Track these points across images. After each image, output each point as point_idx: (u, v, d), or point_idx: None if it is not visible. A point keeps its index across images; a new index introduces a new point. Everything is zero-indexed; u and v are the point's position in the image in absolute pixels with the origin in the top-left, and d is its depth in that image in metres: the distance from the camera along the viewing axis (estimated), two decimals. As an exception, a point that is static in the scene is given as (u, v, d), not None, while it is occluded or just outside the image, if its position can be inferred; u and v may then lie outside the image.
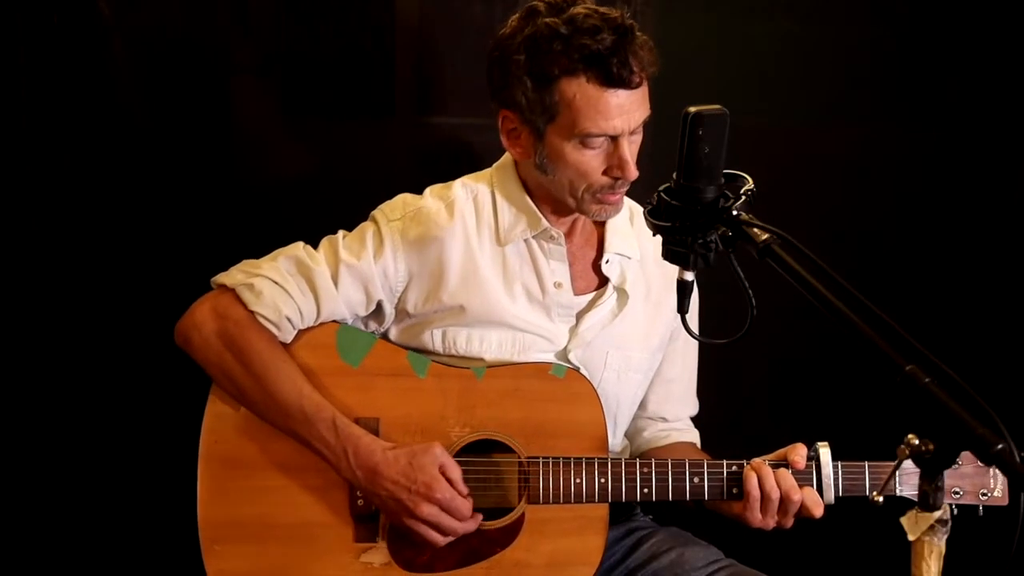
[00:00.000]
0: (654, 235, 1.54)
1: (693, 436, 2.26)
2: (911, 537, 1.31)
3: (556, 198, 2.02)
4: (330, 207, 2.54)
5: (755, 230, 1.41)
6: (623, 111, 1.89)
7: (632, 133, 1.92)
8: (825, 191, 2.70)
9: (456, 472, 1.95)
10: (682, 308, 1.59)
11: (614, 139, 1.91)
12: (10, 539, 2.60)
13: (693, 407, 2.29)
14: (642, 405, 2.23)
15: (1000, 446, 1.17)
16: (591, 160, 1.93)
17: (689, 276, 1.57)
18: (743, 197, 1.46)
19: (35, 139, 2.50)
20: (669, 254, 1.52)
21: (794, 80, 2.64)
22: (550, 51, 1.88)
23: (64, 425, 2.59)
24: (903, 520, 1.32)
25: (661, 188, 1.51)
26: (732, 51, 2.60)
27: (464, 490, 1.95)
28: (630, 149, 1.92)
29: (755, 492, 1.94)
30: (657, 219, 1.51)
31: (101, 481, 2.61)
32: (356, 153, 2.61)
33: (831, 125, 2.71)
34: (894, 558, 1.50)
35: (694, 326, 2.19)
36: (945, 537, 1.30)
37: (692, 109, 1.42)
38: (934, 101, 2.68)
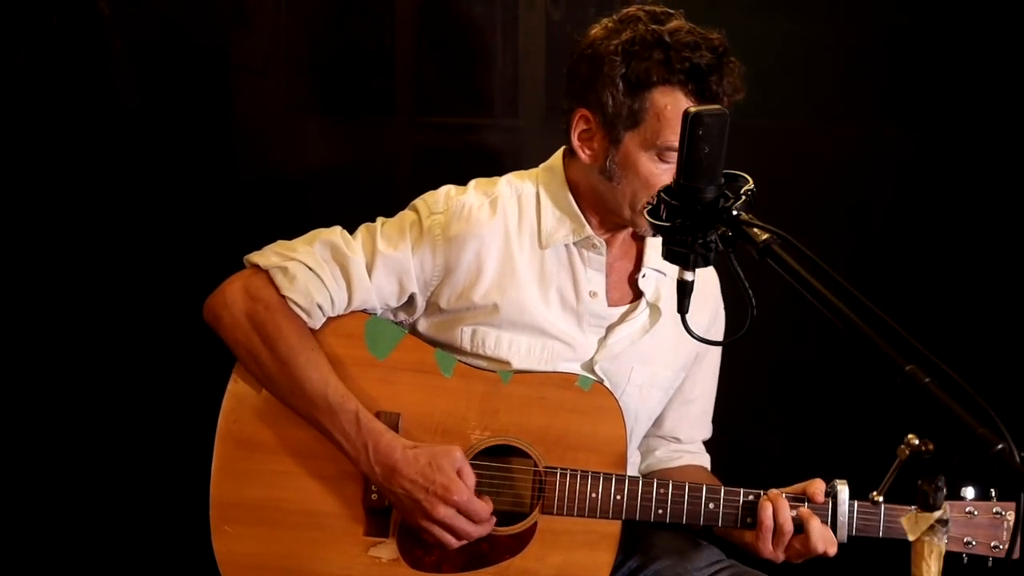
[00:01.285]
0: (654, 235, 1.55)
1: (704, 460, 2.26)
2: (911, 537, 1.31)
3: (609, 208, 2.00)
4: (330, 206, 2.53)
5: (755, 230, 1.41)
6: None
7: None
8: (825, 191, 2.69)
9: (471, 481, 1.95)
10: (682, 308, 1.59)
11: None
12: (22, 512, 2.60)
13: (707, 431, 2.28)
14: (658, 423, 2.22)
15: (1000, 446, 1.17)
16: (663, 174, 1.91)
17: (689, 276, 1.56)
18: (743, 197, 1.46)
19: (35, 139, 2.50)
20: (669, 254, 1.52)
21: (794, 80, 2.64)
22: (650, 58, 1.88)
23: (69, 419, 2.59)
24: (903, 520, 1.32)
25: (661, 188, 1.51)
26: (732, 51, 2.59)
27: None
28: None
29: (768, 522, 1.94)
30: (657, 219, 1.51)
31: (116, 459, 2.61)
32: (356, 153, 2.61)
33: (831, 125, 2.71)
34: (894, 558, 1.51)
35: (717, 354, 2.19)
36: (945, 537, 1.30)
37: (692, 109, 1.42)
38: (934, 101, 2.68)
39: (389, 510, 1.99)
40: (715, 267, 1.81)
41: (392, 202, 2.11)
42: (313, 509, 2.00)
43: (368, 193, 2.20)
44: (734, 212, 1.44)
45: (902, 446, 1.26)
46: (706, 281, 2.12)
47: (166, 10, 2.51)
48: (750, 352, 2.21)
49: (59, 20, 2.47)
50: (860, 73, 2.67)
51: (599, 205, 2.02)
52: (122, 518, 2.62)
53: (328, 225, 2.09)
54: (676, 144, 1.84)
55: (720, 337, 2.20)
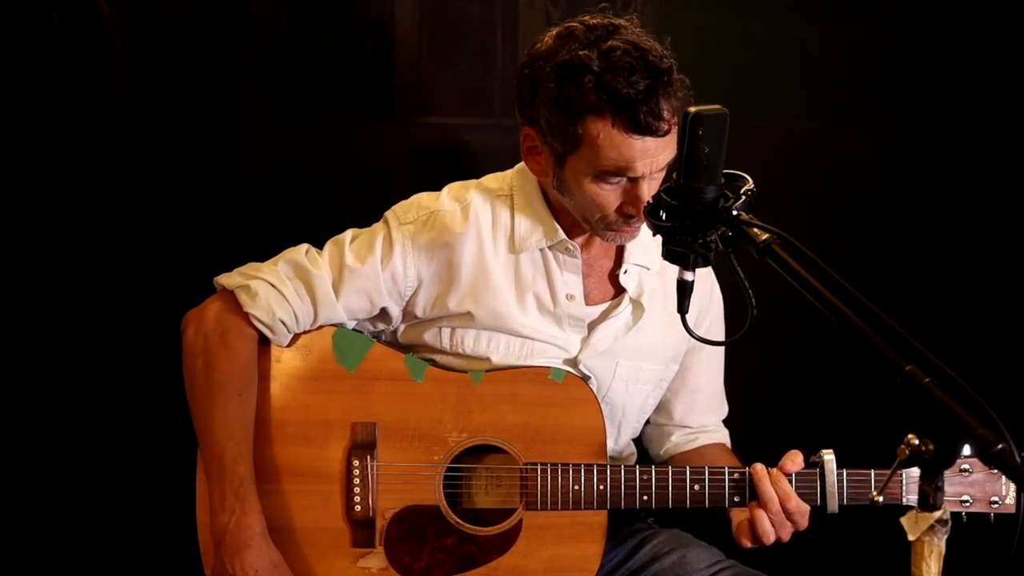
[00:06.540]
0: (654, 235, 1.55)
1: (722, 436, 2.26)
2: (911, 537, 1.31)
3: (572, 214, 2.00)
4: (330, 207, 2.54)
5: (755, 230, 1.41)
6: (647, 155, 1.84)
7: (655, 172, 1.88)
8: (825, 191, 2.69)
9: None
10: (682, 308, 1.59)
11: (633, 179, 1.88)
12: (10, 540, 2.60)
13: (721, 412, 2.28)
14: (668, 414, 2.23)
15: (1000, 446, 1.17)
16: (608, 194, 1.89)
17: (689, 276, 1.57)
18: (743, 197, 1.46)
19: (35, 139, 2.50)
20: (669, 254, 1.52)
21: (794, 80, 2.64)
22: (580, 84, 1.82)
23: (64, 427, 2.59)
24: (903, 520, 1.32)
25: (661, 188, 1.51)
26: (732, 51, 2.60)
27: None
28: (650, 187, 1.88)
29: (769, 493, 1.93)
30: (657, 219, 1.51)
31: (102, 484, 2.60)
32: (356, 153, 2.61)
33: (831, 125, 2.71)
34: (894, 558, 1.50)
35: (719, 333, 2.20)
36: (945, 537, 1.30)
37: (692, 109, 1.42)
38: (934, 100, 2.68)
39: (373, 521, 1.99)
40: (715, 267, 1.80)
41: (392, 202, 2.11)
42: (299, 526, 2.00)
43: (368, 193, 2.20)
44: (734, 212, 1.44)
45: (902, 446, 1.26)
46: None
47: (166, 10, 2.51)
48: (750, 352, 2.22)
49: (59, 20, 2.47)
50: (860, 73, 2.67)
51: (566, 209, 2.01)
52: (113, 545, 2.61)
53: (328, 225, 2.10)
54: (613, 169, 1.85)
55: (716, 321, 2.20)
